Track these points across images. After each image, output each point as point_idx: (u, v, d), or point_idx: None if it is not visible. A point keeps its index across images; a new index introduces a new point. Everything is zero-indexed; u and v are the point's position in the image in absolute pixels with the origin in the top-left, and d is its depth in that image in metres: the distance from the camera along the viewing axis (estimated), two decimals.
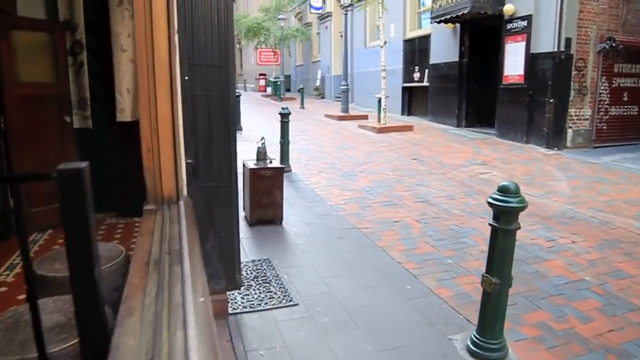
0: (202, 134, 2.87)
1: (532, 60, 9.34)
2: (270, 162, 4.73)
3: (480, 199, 5.71)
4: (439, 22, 11.39)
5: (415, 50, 14.10)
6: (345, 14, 14.94)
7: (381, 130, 11.02)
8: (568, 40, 8.99)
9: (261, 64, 27.89)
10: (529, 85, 9.41)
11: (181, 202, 2.04)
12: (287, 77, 26.73)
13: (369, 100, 15.49)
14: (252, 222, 4.63)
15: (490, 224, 2.39)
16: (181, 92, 2.27)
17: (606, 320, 2.97)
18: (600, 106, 9.66)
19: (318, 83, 22.04)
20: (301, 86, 18.11)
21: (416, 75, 13.92)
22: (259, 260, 3.83)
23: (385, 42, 11.46)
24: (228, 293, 3.17)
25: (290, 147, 9.13)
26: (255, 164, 4.63)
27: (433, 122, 12.69)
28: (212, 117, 2.87)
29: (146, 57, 1.88)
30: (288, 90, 25.83)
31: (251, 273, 3.63)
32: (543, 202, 5.69)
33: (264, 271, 3.66)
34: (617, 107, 9.87)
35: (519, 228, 2.36)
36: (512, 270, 3.72)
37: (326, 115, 14.54)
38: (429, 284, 3.40)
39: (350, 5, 14.26)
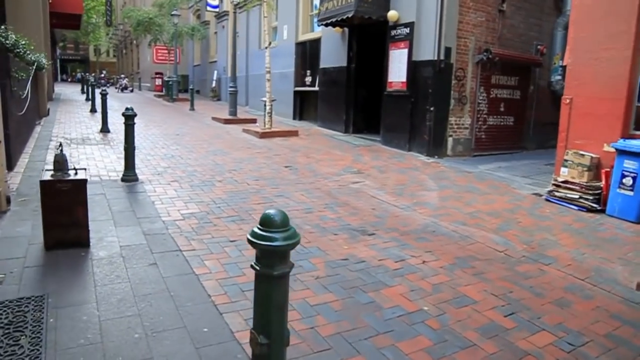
0: None
1: (414, 67, 9.20)
2: (76, 172, 3.83)
3: (340, 212, 5.20)
4: (326, 25, 11.01)
5: (307, 54, 13.67)
6: (235, 13, 14.16)
7: (264, 135, 10.37)
8: (448, 50, 8.94)
9: (157, 62, 26.28)
10: (411, 93, 9.25)
11: None
12: (185, 77, 25.36)
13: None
14: (50, 245, 3.70)
15: (252, 266, 1.75)
16: None
17: None
18: (479, 116, 9.77)
19: (214, 84, 20.99)
20: (191, 86, 17.02)
21: (308, 80, 13.50)
22: (28, 299, 2.94)
23: (270, 43, 10.87)
24: None
25: (156, 151, 8.23)
26: (51, 176, 3.70)
27: (322, 128, 12.29)
28: None
29: None
30: (185, 90, 24.43)
31: (5, 318, 2.73)
32: (408, 214, 5.32)
33: (25, 314, 2.78)
34: (495, 117, 10.05)
35: (288, 272, 1.74)
36: (347, 300, 3.18)
37: (213, 118, 13.65)
38: (234, 325, 2.72)
39: (239, 5, 13.53)
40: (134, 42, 32.62)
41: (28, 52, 6.36)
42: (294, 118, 14.20)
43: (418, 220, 5.12)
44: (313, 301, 3.04)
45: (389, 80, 9.77)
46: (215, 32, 21.75)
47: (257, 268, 1.72)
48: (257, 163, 7.62)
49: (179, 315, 2.82)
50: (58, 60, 46.47)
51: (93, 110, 13.95)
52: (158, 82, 26.44)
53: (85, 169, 4.01)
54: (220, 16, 20.29)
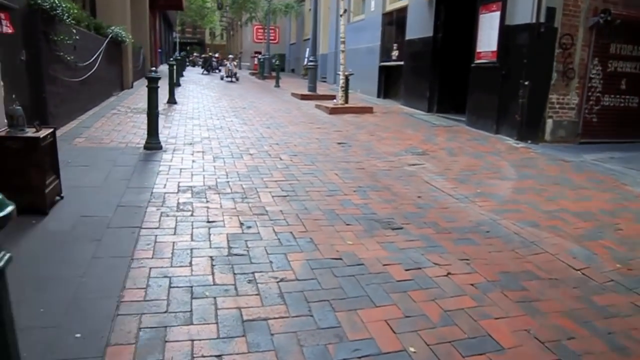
0: None
1: (507, 33, 7.64)
2: (37, 129, 3.29)
3: (372, 197, 4.18)
4: None
5: (394, 25, 12.42)
6: None
7: (334, 111, 9.48)
8: (551, 11, 7.25)
9: (257, 41, 26.43)
10: (501, 64, 7.72)
11: None
12: (282, 56, 25.20)
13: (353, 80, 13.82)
14: None
15: None
16: None
17: None
18: (590, 94, 7.91)
19: (305, 62, 20.44)
20: (277, 62, 16.67)
21: (394, 54, 12.25)
22: None
23: (345, 10, 9.87)
24: None
25: (209, 122, 7.80)
26: (6, 132, 3.20)
27: (405, 106, 11.05)
28: None
29: None
30: (282, 69, 24.28)
31: None
32: (461, 206, 4.14)
33: None
34: (612, 96, 8.09)
35: None
36: (298, 320, 2.06)
37: (292, 94, 13.05)
38: (118, 334, 1.93)
39: None
40: (239, 23, 33.32)
41: (67, 15, 6.08)
42: (378, 96, 13.07)
43: (472, 215, 3.93)
44: (250, 314, 2.14)
45: (478, 50, 8.29)
46: (310, 9, 21.14)
47: None
48: (308, 138, 6.77)
49: (65, 310, 2.10)
50: (177, 42, 49.41)
51: (177, 84, 14.07)
52: (256, 60, 26.62)
53: (55, 128, 3.48)
54: None
